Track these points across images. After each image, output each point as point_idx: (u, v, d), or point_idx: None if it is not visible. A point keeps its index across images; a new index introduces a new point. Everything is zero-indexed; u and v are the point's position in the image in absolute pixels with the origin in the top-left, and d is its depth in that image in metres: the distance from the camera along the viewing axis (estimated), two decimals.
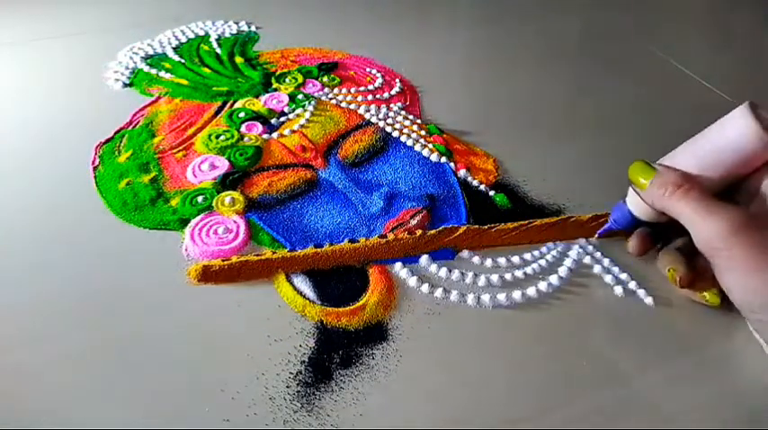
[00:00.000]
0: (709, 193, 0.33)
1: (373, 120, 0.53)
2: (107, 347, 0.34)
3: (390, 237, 0.41)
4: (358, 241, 0.41)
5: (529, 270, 0.40)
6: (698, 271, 0.35)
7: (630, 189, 0.37)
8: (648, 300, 0.38)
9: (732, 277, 0.32)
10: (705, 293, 0.36)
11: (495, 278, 0.39)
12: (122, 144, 0.50)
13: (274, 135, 0.51)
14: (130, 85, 0.58)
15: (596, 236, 0.41)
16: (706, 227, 0.32)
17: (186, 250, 0.40)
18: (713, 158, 0.34)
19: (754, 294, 0.31)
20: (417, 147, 0.50)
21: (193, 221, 0.42)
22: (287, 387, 0.32)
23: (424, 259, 0.40)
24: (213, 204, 0.44)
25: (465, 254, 0.41)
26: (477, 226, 0.42)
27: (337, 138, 0.51)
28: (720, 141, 0.34)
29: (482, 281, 0.39)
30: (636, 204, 0.37)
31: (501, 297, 0.38)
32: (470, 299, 0.38)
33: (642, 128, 0.55)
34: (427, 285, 0.38)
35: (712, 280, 0.34)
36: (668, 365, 0.34)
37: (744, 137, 0.33)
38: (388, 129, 0.52)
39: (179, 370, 0.33)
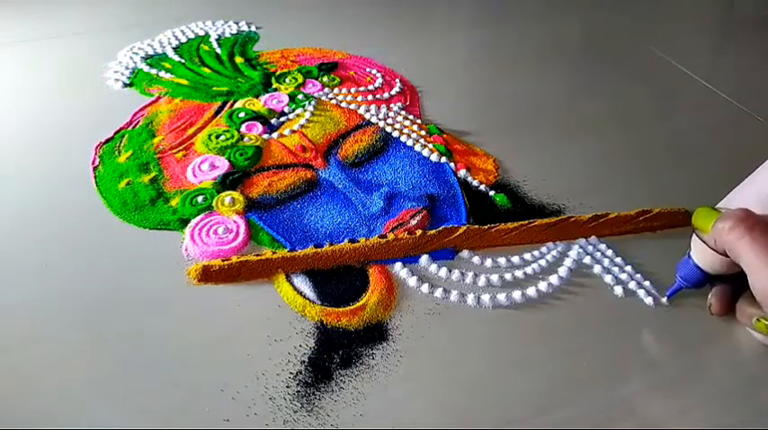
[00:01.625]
0: None
1: (373, 120, 0.53)
2: (107, 347, 0.34)
3: (390, 237, 0.41)
4: (358, 241, 0.41)
5: (529, 270, 0.40)
6: None
7: (693, 242, 0.35)
8: (648, 300, 0.38)
9: None
10: None
11: (495, 278, 0.39)
12: (122, 144, 0.50)
13: (274, 135, 0.51)
14: (130, 85, 0.58)
15: (666, 298, 0.37)
16: (762, 277, 0.30)
17: (186, 250, 0.40)
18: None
19: None
20: (417, 147, 0.50)
21: (193, 221, 0.42)
22: (287, 387, 0.32)
23: (424, 259, 0.40)
24: (213, 204, 0.44)
25: (465, 254, 0.41)
26: (477, 226, 0.42)
27: (337, 138, 0.51)
28: None
29: (482, 281, 0.39)
30: (701, 256, 0.34)
31: (501, 297, 0.38)
32: (470, 299, 0.38)
33: (642, 128, 0.55)
34: (427, 285, 0.38)
35: None
36: (668, 365, 0.34)
37: None
38: (388, 129, 0.52)
39: (179, 370, 0.33)
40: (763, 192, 0.32)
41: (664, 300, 0.38)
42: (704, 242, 0.33)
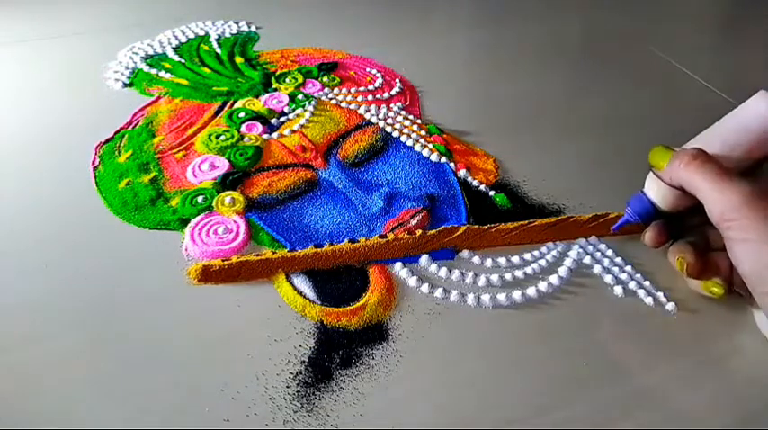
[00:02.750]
0: (725, 168, 0.33)
1: (373, 120, 0.53)
2: (107, 347, 0.34)
3: (390, 237, 0.41)
4: (358, 241, 0.41)
5: (529, 270, 0.40)
6: (707, 262, 0.36)
7: (649, 178, 0.37)
8: (648, 301, 0.38)
9: (744, 248, 0.32)
10: (710, 285, 0.36)
11: (495, 278, 0.39)
12: (122, 144, 0.50)
13: (274, 135, 0.51)
14: (130, 85, 0.58)
15: (612, 230, 0.40)
16: (721, 197, 0.32)
17: (186, 250, 0.40)
18: (732, 140, 0.34)
19: (764, 266, 0.31)
20: (417, 147, 0.50)
21: (193, 221, 0.42)
22: (287, 387, 0.32)
23: (424, 259, 0.40)
24: (213, 204, 0.44)
25: (465, 254, 0.41)
26: (477, 226, 0.42)
27: (337, 138, 0.51)
28: (739, 125, 0.34)
29: (482, 281, 0.39)
30: (655, 191, 0.37)
31: (501, 297, 0.38)
32: (470, 299, 0.38)
33: (642, 128, 0.55)
34: (427, 285, 0.38)
35: (718, 271, 0.35)
36: (668, 365, 0.34)
37: (761, 119, 0.33)
38: (388, 129, 0.52)
39: (179, 370, 0.33)
40: (719, 138, 0.35)
41: (610, 231, 0.40)
42: (659, 178, 0.36)
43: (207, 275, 0.38)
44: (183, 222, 0.42)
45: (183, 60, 0.62)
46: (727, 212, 0.32)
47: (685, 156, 0.34)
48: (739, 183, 0.32)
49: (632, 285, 0.39)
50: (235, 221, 0.42)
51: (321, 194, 0.45)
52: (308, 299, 0.37)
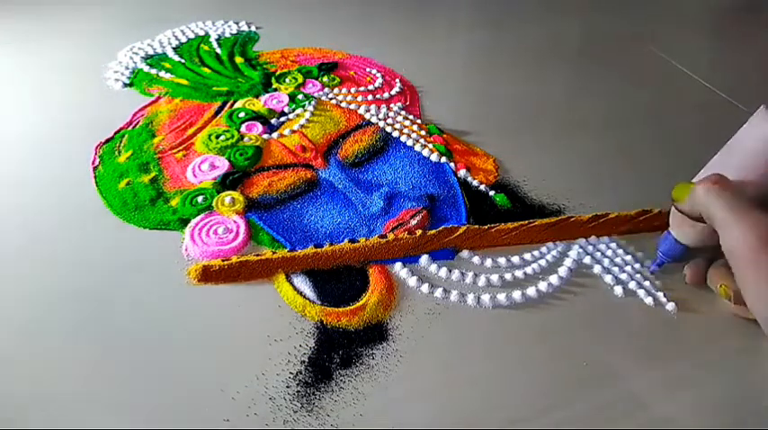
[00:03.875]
0: (745, 196, 0.32)
1: (373, 120, 0.53)
2: (107, 347, 0.34)
3: (390, 237, 0.41)
4: (358, 241, 0.41)
5: (529, 270, 0.40)
6: None
7: (672, 218, 0.37)
8: (648, 301, 0.38)
9: (750, 289, 0.31)
10: None
11: (495, 278, 0.39)
12: (122, 144, 0.50)
13: (274, 135, 0.51)
14: (130, 85, 0.58)
15: (650, 272, 0.39)
16: (733, 234, 0.31)
17: (186, 250, 0.40)
18: (742, 169, 0.34)
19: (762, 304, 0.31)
20: (417, 148, 0.50)
21: (193, 221, 0.42)
22: (287, 387, 0.32)
23: (424, 259, 0.40)
24: (213, 204, 0.44)
25: (465, 254, 0.41)
26: (477, 226, 0.42)
27: (337, 138, 0.51)
28: (748, 148, 0.34)
29: (482, 281, 0.39)
30: (679, 229, 0.37)
31: (501, 297, 0.38)
32: (470, 299, 0.38)
33: (642, 128, 0.55)
34: (427, 285, 0.38)
35: None
36: (668, 365, 0.34)
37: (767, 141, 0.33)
38: (388, 129, 0.52)
39: (179, 370, 0.33)
40: (731, 164, 0.34)
41: (649, 274, 0.39)
42: (681, 211, 0.35)
43: (207, 275, 0.38)
44: (183, 222, 0.42)
45: (183, 60, 0.62)
46: (737, 250, 0.31)
47: (706, 181, 0.33)
48: (754, 220, 0.31)
49: (632, 285, 0.39)
50: (235, 221, 0.42)
51: (321, 194, 0.45)
52: (308, 299, 0.37)
